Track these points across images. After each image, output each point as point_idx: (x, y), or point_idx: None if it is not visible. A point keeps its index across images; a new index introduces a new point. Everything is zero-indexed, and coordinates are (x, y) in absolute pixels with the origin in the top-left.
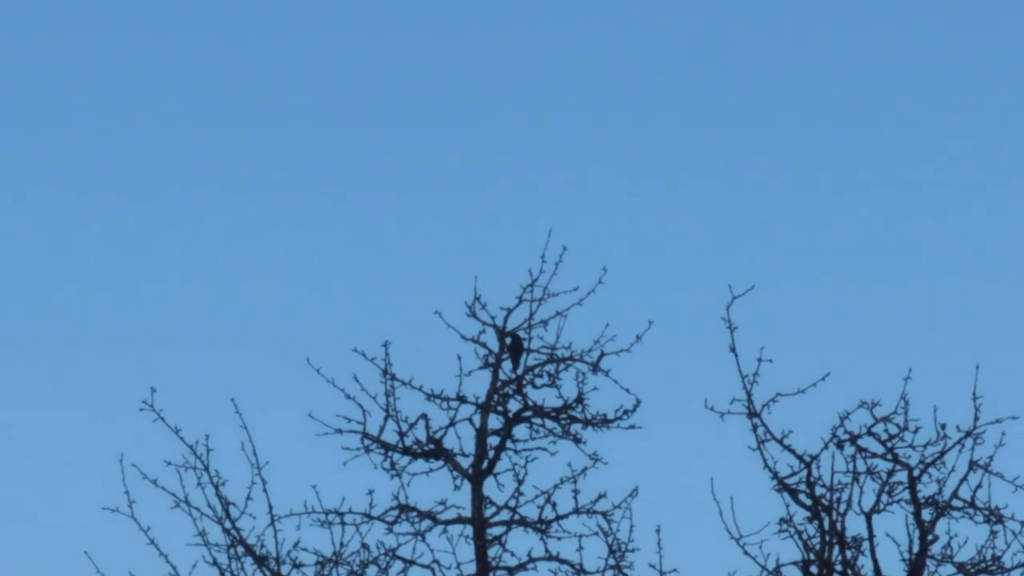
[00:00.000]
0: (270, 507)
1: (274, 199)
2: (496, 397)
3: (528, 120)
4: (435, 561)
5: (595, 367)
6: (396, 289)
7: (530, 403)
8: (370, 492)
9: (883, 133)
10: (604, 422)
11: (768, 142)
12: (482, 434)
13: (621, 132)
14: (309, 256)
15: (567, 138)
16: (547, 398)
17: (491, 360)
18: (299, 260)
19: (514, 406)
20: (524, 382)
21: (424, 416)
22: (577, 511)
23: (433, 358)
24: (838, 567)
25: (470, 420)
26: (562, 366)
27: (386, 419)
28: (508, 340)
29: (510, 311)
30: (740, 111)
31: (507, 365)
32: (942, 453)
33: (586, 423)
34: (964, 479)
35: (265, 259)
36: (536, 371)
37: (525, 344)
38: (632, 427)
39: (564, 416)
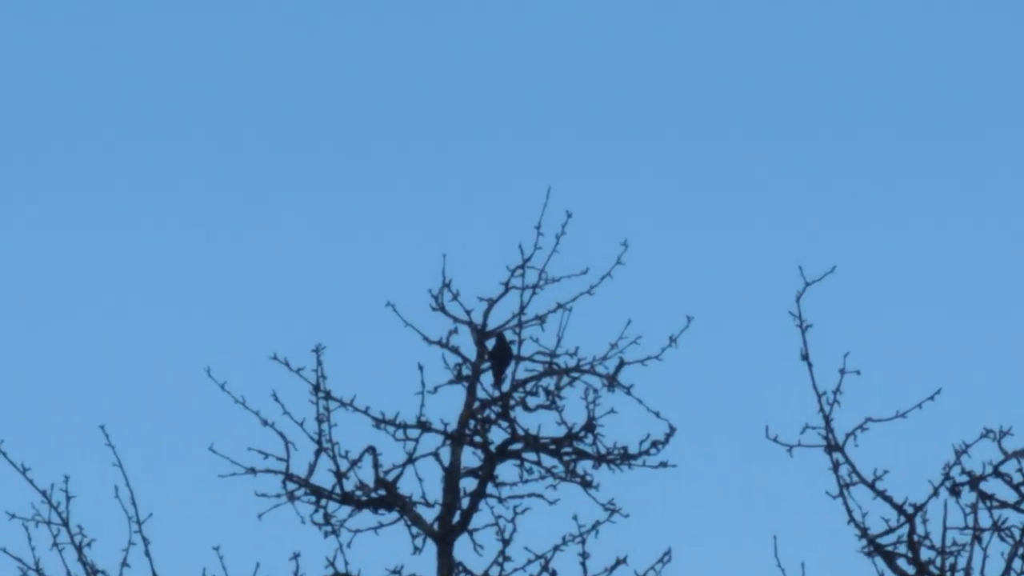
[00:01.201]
0: None
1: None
2: (473, 424)
3: (522, 48)
4: None
5: (611, 381)
6: (332, 274)
7: (520, 431)
8: (295, 556)
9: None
10: (624, 458)
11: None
12: (453, 475)
13: (642, 63)
14: (207, 232)
15: (572, 75)
16: (544, 425)
17: (466, 372)
18: (194, 238)
19: (498, 436)
20: (512, 402)
21: (371, 450)
22: None
23: (385, 369)
24: None
25: (436, 456)
26: (565, 380)
27: (318, 454)
28: (490, 343)
29: (492, 303)
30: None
31: (488, 378)
32: None
33: (599, 459)
34: None
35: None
36: (529, 387)
37: (514, 349)
38: (663, 465)
39: (568, 450)
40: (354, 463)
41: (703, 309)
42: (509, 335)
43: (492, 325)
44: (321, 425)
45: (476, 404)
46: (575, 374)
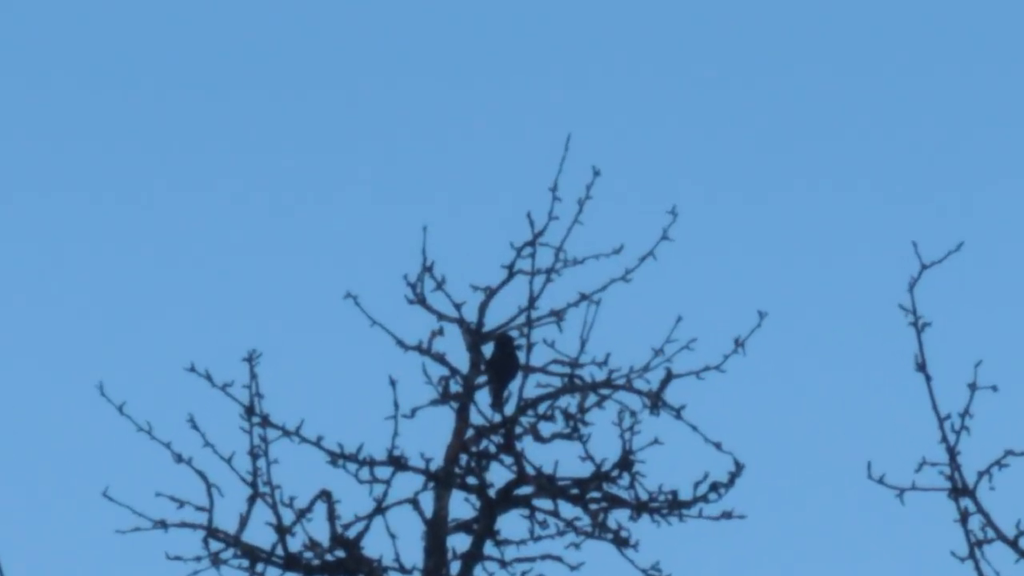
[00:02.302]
0: None
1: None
2: (465, 460)
3: None
4: None
5: (655, 401)
6: (272, 256)
7: (530, 470)
8: None
9: None
10: (673, 506)
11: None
12: (437, 530)
13: None
14: (87, 195)
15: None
16: (564, 460)
17: (455, 387)
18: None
19: (500, 476)
20: (519, 430)
21: (326, 496)
22: None
23: (343, 385)
24: None
25: (414, 503)
26: (592, 399)
27: (252, 501)
28: (489, 349)
29: (491, 293)
30: None
31: (485, 397)
32: None
33: (638, 508)
34: None
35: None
36: (542, 409)
37: (521, 357)
38: (726, 516)
39: (596, 495)
40: (302, 514)
41: (779, 302)
42: (515, 335)
43: (491, 324)
44: (256, 462)
45: (470, 433)
46: (605, 391)
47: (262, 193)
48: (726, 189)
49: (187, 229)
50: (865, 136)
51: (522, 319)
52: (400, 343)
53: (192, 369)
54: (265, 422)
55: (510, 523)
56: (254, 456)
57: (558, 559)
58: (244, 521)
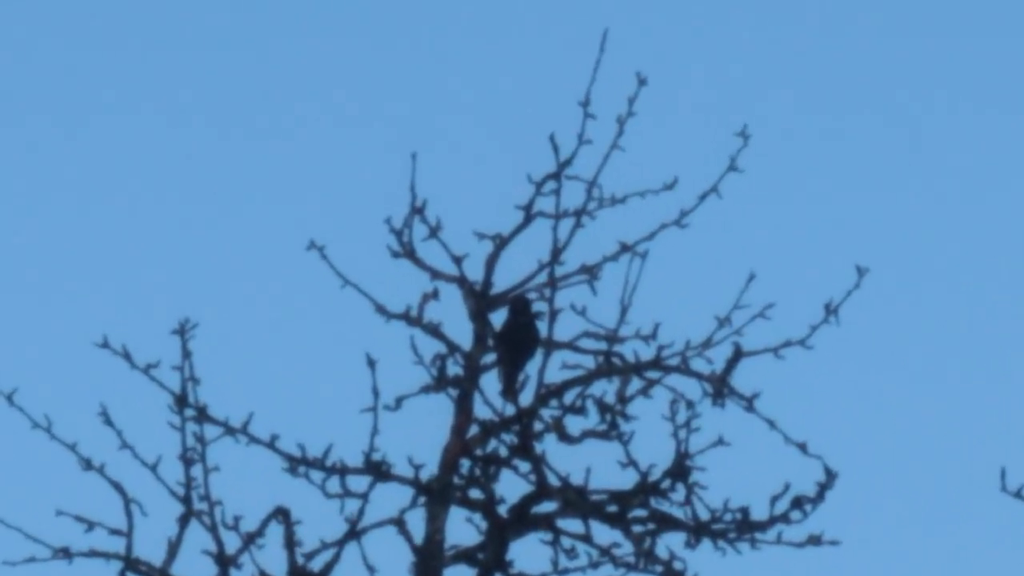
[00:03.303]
0: None
1: None
2: (468, 466)
3: None
4: None
5: (720, 387)
6: (210, 198)
7: (554, 480)
8: None
9: None
10: (743, 528)
11: None
12: (431, 559)
13: None
14: None
15: None
16: (598, 467)
17: (454, 369)
18: None
19: (513, 487)
20: (539, 426)
21: (283, 514)
22: None
23: (305, 366)
24: None
25: (399, 524)
26: (635, 384)
27: (185, 522)
28: (499, 317)
29: (503, 242)
30: None
31: (494, 382)
32: None
33: (697, 530)
34: None
35: None
36: (570, 398)
37: (542, 328)
38: (814, 541)
39: (642, 513)
40: (251, 539)
41: (883, 256)
42: (534, 297)
43: (502, 285)
44: (190, 469)
45: (473, 430)
46: (653, 374)
47: (203, 116)
48: (812, 105)
49: (96, 158)
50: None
51: (543, 278)
52: (381, 310)
53: (104, 345)
54: (202, 416)
55: (527, 551)
56: (187, 462)
57: None
58: (174, 549)
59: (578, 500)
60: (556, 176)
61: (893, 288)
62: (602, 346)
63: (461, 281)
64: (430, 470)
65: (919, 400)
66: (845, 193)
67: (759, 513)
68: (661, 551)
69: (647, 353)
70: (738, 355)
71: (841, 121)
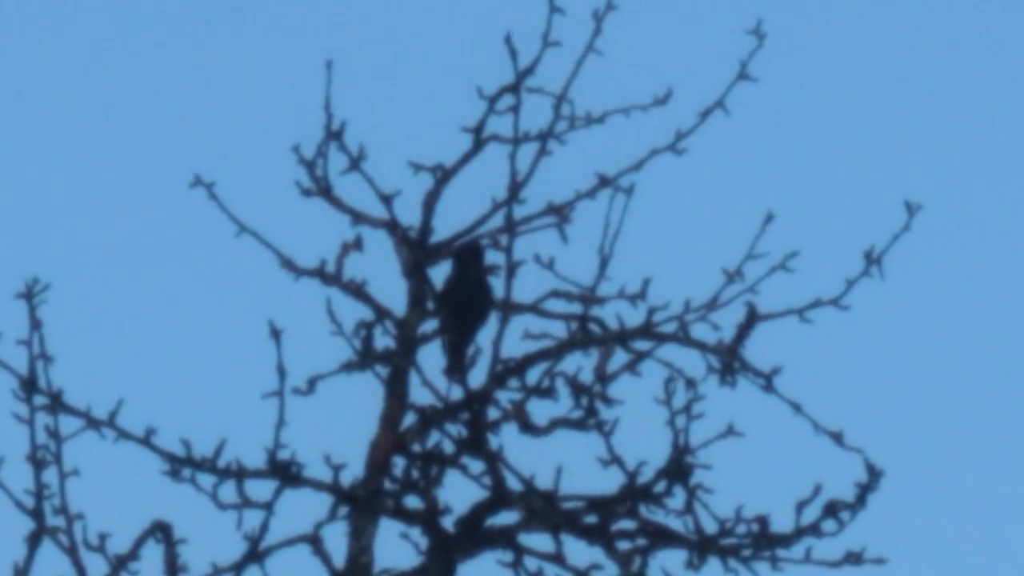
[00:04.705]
0: None
1: None
2: (404, 467)
3: None
4: None
5: (728, 360)
6: (69, 117)
7: (514, 485)
8: None
9: None
10: (761, 544)
11: None
12: None
13: None
14: None
15: None
16: (572, 466)
17: (383, 341)
18: None
19: (461, 494)
20: (493, 413)
21: (162, 530)
22: None
23: (190, 340)
24: None
25: (313, 542)
26: (620, 358)
27: (35, 542)
28: (445, 270)
29: (446, 175)
30: None
31: (434, 356)
32: None
33: (702, 547)
34: None
35: None
36: (534, 378)
37: (497, 284)
38: (854, 559)
39: (628, 526)
40: (122, 563)
41: (937, 189)
42: (484, 250)
43: (445, 231)
44: (41, 473)
45: (409, 419)
46: (642, 344)
47: (63, 19)
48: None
49: None
50: None
51: (498, 221)
52: (288, 264)
53: None
54: (56, 404)
55: (480, 575)
56: (37, 464)
57: None
58: (21, 573)
59: (546, 509)
60: (514, 89)
61: (951, 231)
62: (576, 309)
63: (392, 226)
64: (354, 472)
65: (983, 376)
66: (889, 108)
67: (781, 524)
68: (655, 574)
69: (634, 318)
70: (753, 319)
71: (884, 12)
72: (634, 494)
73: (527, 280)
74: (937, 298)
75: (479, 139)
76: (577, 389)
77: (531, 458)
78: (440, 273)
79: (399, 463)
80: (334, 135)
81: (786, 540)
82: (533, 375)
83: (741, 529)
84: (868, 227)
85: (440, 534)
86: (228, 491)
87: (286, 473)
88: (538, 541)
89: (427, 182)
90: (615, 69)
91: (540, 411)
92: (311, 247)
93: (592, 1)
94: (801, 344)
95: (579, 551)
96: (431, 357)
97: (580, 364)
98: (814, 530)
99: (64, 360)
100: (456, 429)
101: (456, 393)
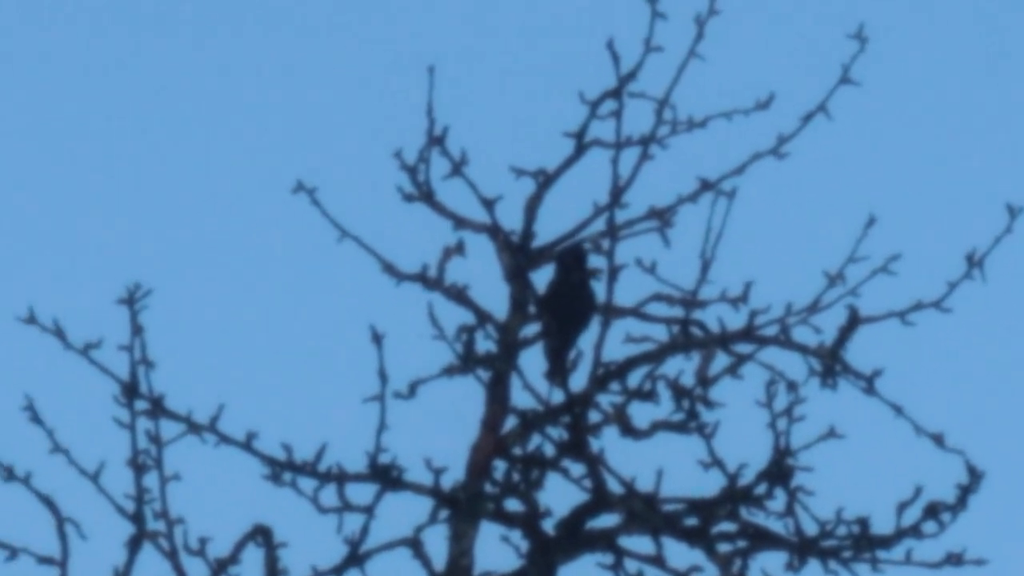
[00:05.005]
0: None
1: None
2: (505, 471)
3: None
4: None
5: (830, 363)
6: (168, 129)
7: (615, 488)
8: None
9: None
10: (862, 545)
11: None
12: None
13: None
14: None
15: None
16: (673, 469)
17: (484, 345)
18: None
19: (562, 497)
20: (594, 417)
21: (263, 534)
22: None
23: (290, 345)
24: None
25: (414, 545)
26: (721, 360)
27: (136, 546)
28: (542, 277)
29: (548, 180)
30: None
31: (537, 360)
32: None
33: (803, 549)
34: None
35: None
36: (636, 381)
37: (598, 289)
38: (955, 560)
39: (729, 528)
40: (223, 567)
41: None
42: (587, 254)
43: (547, 235)
44: (142, 478)
45: (510, 423)
46: (744, 347)
47: (158, 26)
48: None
49: (16, 83)
50: None
51: (600, 225)
52: (390, 269)
53: (31, 320)
54: (158, 409)
55: None
56: (138, 468)
57: None
58: None
59: (646, 512)
60: (616, 94)
61: None
62: (677, 312)
63: (494, 231)
64: (454, 475)
65: None
66: (991, 110)
67: (882, 525)
68: (756, 575)
69: (736, 321)
70: (854, 322)
71: (985, 15)
72: (734, 496)
73: (628, 284)
74: None
75: (581, 144)
76: (678, 392)
77: (632, 461)
78: (542, 277)
79: (500, 466)
80: (436, 140)
81: (886, 542)
82: (634, 378)
83: (841, 531)
84: (970, 230)
85: (540, 537)
86: (329, 495)
87: (387, 477)
88: (638, 543)
89: (529, 187)
90: (717, 74)
91: (641, 414)
92: (413, 252)
93: (694, 6)
94: (902, 347)
95: (679, 553)
96: (532, 361)
97: (681, 367)
98: (915, 531)
99: (165, 365)
100: (557, 432)
101: (557, 397)
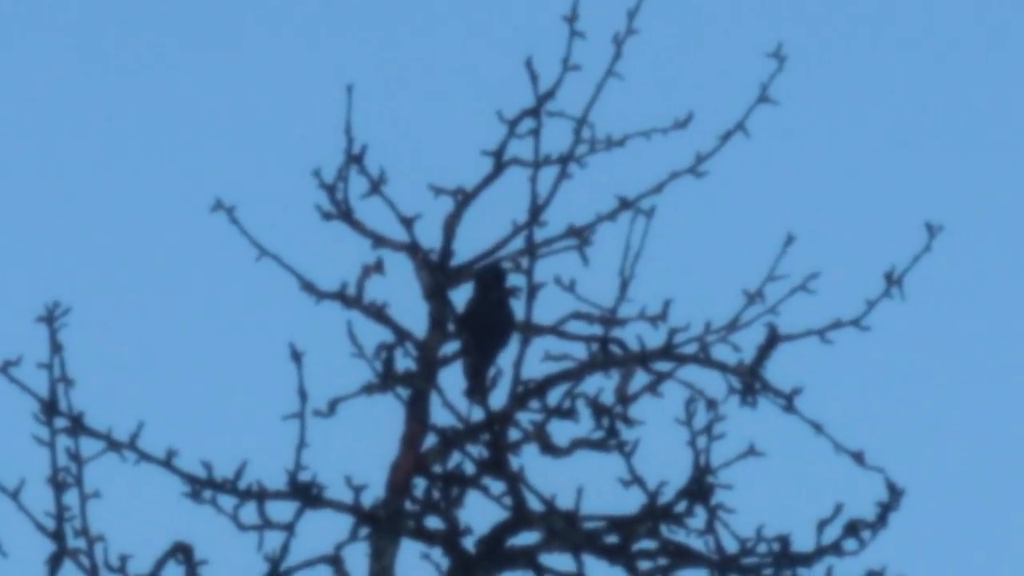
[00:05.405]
0: None
1: None
2: (425, 488)
3: None
4: None
5: (749, 381)
6: (89, 145)
7: (536, 506)
8: None
9: None
10: (782, 562)
11: None
12: None
13: None
14: None
15: None
16: (593, 487)
17: (404, 363)
18: None
19: (482, 515)
20: (514, 435)
21: (183, 551)
22: None
23: (211, 363)
24: None
25: (334, 563)
26: (639, 378)
27: (56, 564)
28: (461, 295)
29: (466, 198)
30: None
31: (455, 377)
32: None
33: (724, 566)
34: None
35: None
36: (555, 399)
37: (518, 307)
38: None
39: (649, 546)
40: None
41: (957, 214)
42: (506, 273)
43: (466, 253)
44: (62, 495)
45: (430, 441)
46: (663, 365)
47: (78, 39)
48: (864, 16)
49: None
50: None
51: (519, 243)
52: (309, 287)
53: None
54: (77, 426)
55: None
56: (58, 486)
57: None
58: None
59: (567, 529)
60: (535, 112)
61: (973, 252)
62: (596, 330)
63: (412, 249)
64: (375, 493)
65: (1004, 396)
66: (909, 130)
67: (802, 543)
68: None
69: (655, 339)
70: (773, 340)
71: (903, 34)
72: (655, 514)
73: (548, 302)
74: (957, 319)
75: (500, 162)
76: (598, 410)
77: (552, 479)
78: (461, 296)
79: (420, 484)
80: (355, 159)
81: (807, 559)
82: (554, 396)
83: (762, 548)
84: (888, 248)
85: (461, 554)
86: (249, 512)
87: (307, 494)
88: (559, 561)
89: (448, 205)
90: (635, 93)
91: (561, 432)
92: (332, 270)
93: (612, 25)
94: (822, 365)
95: (600, 571)
96: (452, 379)
97: (601, 385)
98: (835, 549)
99: (85, 383)
100: (477, 450)
101: (477, 414)
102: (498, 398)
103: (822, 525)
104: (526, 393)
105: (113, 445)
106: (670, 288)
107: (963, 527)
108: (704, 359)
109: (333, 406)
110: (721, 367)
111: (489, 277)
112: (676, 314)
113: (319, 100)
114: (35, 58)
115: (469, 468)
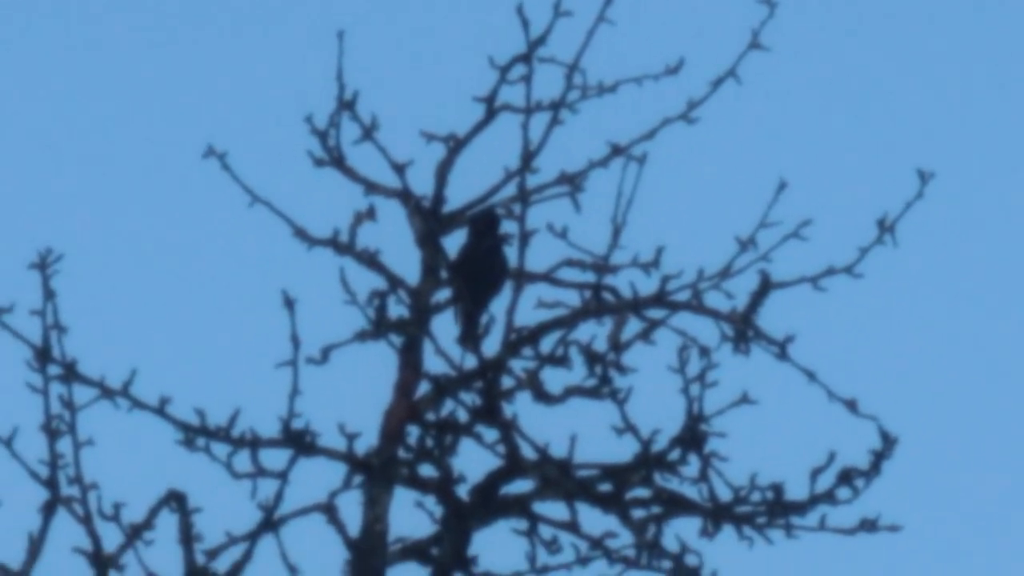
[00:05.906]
0: None
1: None
2: (418, 436)
3: None
4: None
5: (742, 328)
6: (80, 93)
7: (529, 453)
8: None
9: None
10: (777, 511)
11: None
12: (368, 557)
13: None
14: None
15: None
16: (586, 434)
17: (397, 310)
18: None
19: (475, 462)
20: (507, 382)
21: (176, 500)
22: None
23: (203, 311)
24: None
25: (328, 511)
26: (632, 326)
27: (49, 512)
28: (454, 241)
29: (458, 145)
30: None
31: (448, 324)
32: None
33: (717, 515)
34: None
35: None
36: (548, 346)
37: (510, 253)
38: (868, 526)
39: (642, 494)
40: (137, 532)
41: (950, 160)
42: (499, 219)
43: (458, 200)
44: (55, 443)
45: (423, 388)
46: (656, 312)
47: None
48: None
49: None
50: None
51: (511, 190)
52: (301, 234)
53: None
54: (70, 374)
55: (495, 543)
56: (52, 434)
57: None
58: (36, 546)
59: (560, 477)
60: (526, 58)
61: (965, 199)
62: (589, 278)
63: (405, 196)
64: (368, 441)
65: (997, 343)
66: (901, 76)
67: (796, 491)
68: (669, 542)
69: (648, 286)
70: (766, 287)
71: None
72: (648, 462)
73: (540, 249)
74: (950, 265)
75: (491, 109)
76: (591, 357)
77: (545, 426)
78: (454, 242)
79: (413, 432)
80: (347, 105)
81: (800, 508)
82: (547, 344)
83: (755, 497)
84: (881, 195)
85: (455, 503)
86: (243, 460)
87: (300, 442)
88: (552, 509)
89: (440, 152)
90: (627, 39)
91: (554, 379)
92: (324, 217)
93: None
94: (815, 312)
95: (593, 519)
96: (445, 326)
97: (594, 333)
98: (829, 497)
99: (78, 330)
100: (470, 398)
101: (470, 362)
102: (491, 345)
103: (815, 473)
104: (519, 340)
105: (106, 392)
106: (662, 235)
107: (956, 474)
108: (697, 306)
109: (326, 353)
110: (714, 314)
111: (482, 224)
112: (668, 261)
113: (311, 46)
114: (29, 3)
115: (462, 416)
